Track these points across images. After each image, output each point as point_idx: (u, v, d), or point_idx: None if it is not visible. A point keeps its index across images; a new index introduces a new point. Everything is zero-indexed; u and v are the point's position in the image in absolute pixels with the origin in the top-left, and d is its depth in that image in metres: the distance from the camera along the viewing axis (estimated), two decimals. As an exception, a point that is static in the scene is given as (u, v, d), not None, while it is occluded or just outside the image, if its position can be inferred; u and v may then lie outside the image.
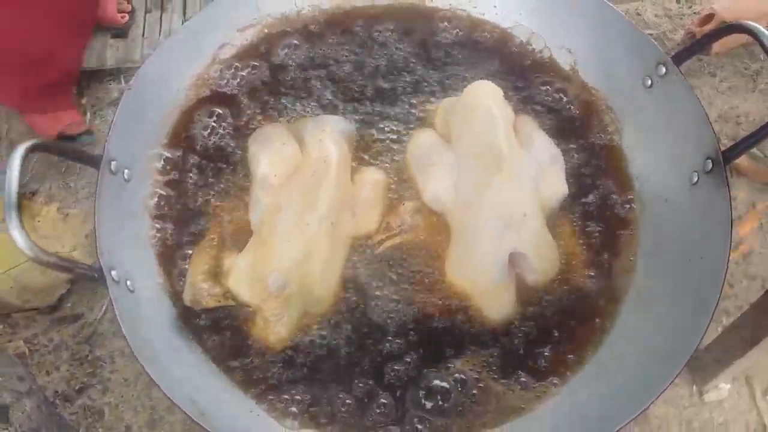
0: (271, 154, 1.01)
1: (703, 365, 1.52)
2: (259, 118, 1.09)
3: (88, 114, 1.88)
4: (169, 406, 1.55)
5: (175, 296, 0.97)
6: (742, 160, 1.75)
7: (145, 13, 1.93)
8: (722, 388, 1.56)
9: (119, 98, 1.87)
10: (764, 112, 1.83)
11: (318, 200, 0.97)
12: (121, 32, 1.89)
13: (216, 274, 0.98)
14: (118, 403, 1.56)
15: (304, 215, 0.96)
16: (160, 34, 1.88)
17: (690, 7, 2.04)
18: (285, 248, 0.95)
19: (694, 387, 1.56)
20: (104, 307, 1.66)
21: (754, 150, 1.73)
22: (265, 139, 1.04)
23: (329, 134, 1.03)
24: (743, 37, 1.85)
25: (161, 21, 1.91)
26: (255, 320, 0.97)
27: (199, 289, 0.96)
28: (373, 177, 1.04)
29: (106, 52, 1.89)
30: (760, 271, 1.67)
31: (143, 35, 1.90)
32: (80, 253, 1.67)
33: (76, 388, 1.57)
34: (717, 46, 1.89)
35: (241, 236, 1.02)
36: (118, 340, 1.63)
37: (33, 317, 1.65)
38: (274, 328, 0.95)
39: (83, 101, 1.90)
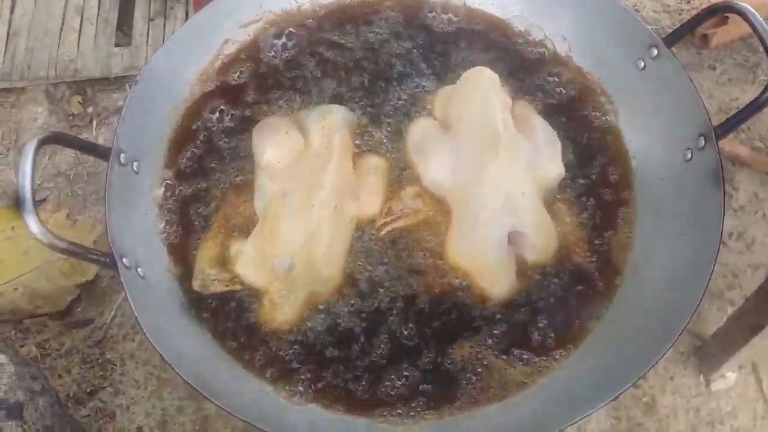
0: (275, 143, 1.04)
1: (709, 354, 1.53)
2: (263, 110, 1.12)
3: (94, 122, 1.91)
4: (180, 407, 1.56)
5: (185, 281, 0.99)
6: (744, 151, 1.76)
7: (149, 21, 1.97)
8: (729, 376, 1.56)
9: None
10: (764, 103, 1.85)
11: (322, 184, 1.00)
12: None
13: (223, 260, 1.01)
14: (129, 405, 1.57)
15: (309, 199, 0.99)
16: (164, 41, 1.91)
17: (688, 2, 2.07)
18: (290, 231, 0.98)
19: (701, 376, 1.56)
20: (113, 311, 1.68)
21: (757, 141, 1.75)
22: (269, 129, 1.07)
23: (332, 122, 1.05)
24: (742, 30, 1.89)
25: (165, 29, 1.95)
26: (262, 302, 0.99)
27: (207, 275, 0.99)
28: (375, 163, 1.07)
29: (110, 60, 1.92)
30: (764, 261, 1.68)
31: (147, 43, 1.93)
32: (89, 258, 1.69)
33: (88, 390, 1.59)
34: (716, 39, 1.92)
35: (247, 224, 1.05)
36: (128, 343, 1.64)
37: (44, 323, 1.66)
38: (281, 309, 0.97)
39: (89, 110, 1.93)
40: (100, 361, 1.62)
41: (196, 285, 0.99)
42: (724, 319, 1.54)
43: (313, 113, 1.10)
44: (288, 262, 0.96)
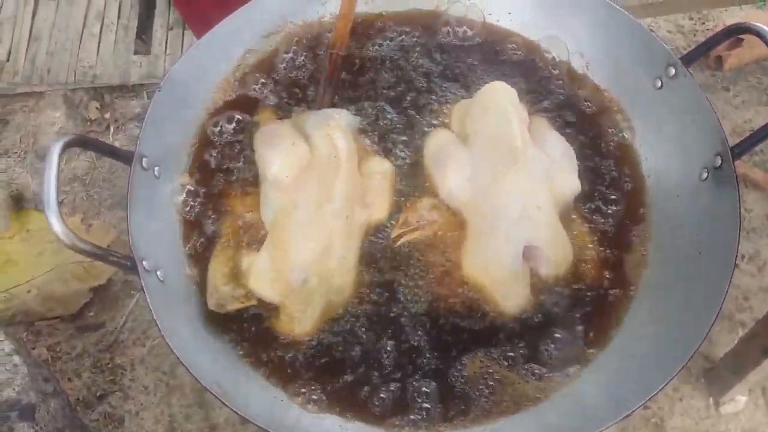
0: (282, 154, 1.03)
1: (719, 376, 1.52)
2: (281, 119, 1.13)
3: (111, 128, 1.93)
4: (188, 414, 1.57)
5: (203, 287, 1.00)
6: (756, 173, 1.77)
7: (168, 30, 2.00)
8: (738, 400, 1.55)
9: (142, 113, 1.94)
10: (777, 124, 1.86)
11: (333, 195, 1.00)
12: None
13: (235, 276, 1.00)
14: (138, 411, 1.58)
15: (320, 210, 0.99)
16: (182, 51, 1.93)
17: (703, 23, 2.09)
18: (304, 244, 0.98)
19: (711, 399, 1.56)
20: (125, 316, 1.69)
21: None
22: (273, 138, 1.06)
23: (336, 129, 1.05)
24: (756, 53, 1.90)
25: (183, 38, 1.97)
26: (279, 316, 0.99)
27: (222, 293, 0.99)
28: (380, 167, 1.07)
29: (129, 68, 1.95)
30: (776, 283, 1.68)
31: (166, 52, 1.96)
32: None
33: (98, 395, 1.59)
34: (730, 61, 1.93)
35: (256, 235, 1.04)
36: (138, 348, 1.65)
37: (56, 325, 1.68)
38: (299, 322, 0.97)
39: (106, 116, 1.95)
40: (110, 365, 1.63)
41: (211, 304, 0.99)
42: (735, 341, 1.54)
43: (313, 118, 1.09)
44: (303, 276, 0.97)
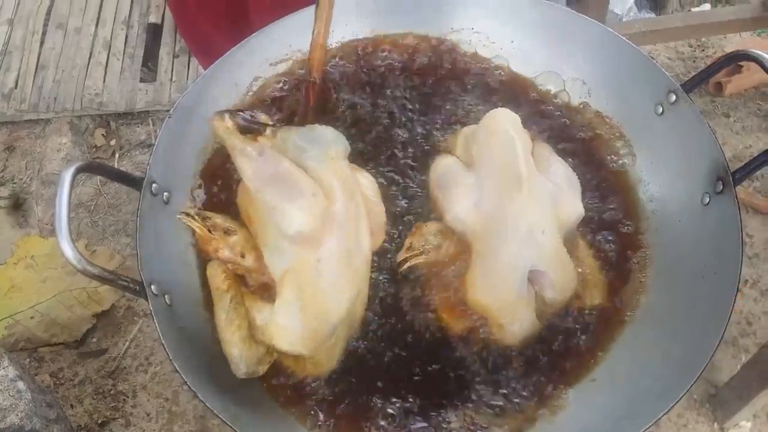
0: (305, 209, 0.93)
1: (724, 402, 1.52)
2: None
3: (117, 155, 1.95)
4: (190, 440, 1.56)
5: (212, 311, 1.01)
6: (758, 199, 1.79)
7: (174, 57, 2.03)
8: (743, 426, 1.55)
9: (147, 140, 1.96)
10: (777, 151, 1.88)
11: (360, 242, 0.96)
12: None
13: (251, 335, 0.94)
14: (140, 437, 1.57)
15: (350, 260, 0.95)
16: (187, 78, 1.96)
17: (703, 50, 2.12)
18: (338, 298, 0.93)
19: (716, 425, 1.55)
20: (128, 343, 1.69)
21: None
22: (290, 188, 0.95)
23: (342, 161, 0.99)
24: (756, 79, 1.94)
25: (189, 65, 2.00)
26: (304, 364, 0.96)
27: (249, 361, 0.93)
28: (372, 185, 1.04)
29: (135, 96, 1.97)
30: (779, 308, 1.69)
31: (171, 80, 1.98)
32: (106, 289, 1.72)
33: (99, 421, 1.59)
34: (730, 88, 1.96)
35: (256, 280, 0.98)
36: (140, 374, 1.65)
37: (59, 351, 1.68)
38: (327, 362, 0.96)
39: (111, 143, 1.97)
40: (112, 392, 1.63)
41: (241, 374, 0.93)
42: (739, 366, 1.54)
43: (297, 136, 0.99)
44: (335, 326, 0.94)
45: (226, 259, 0.97)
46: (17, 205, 1.88)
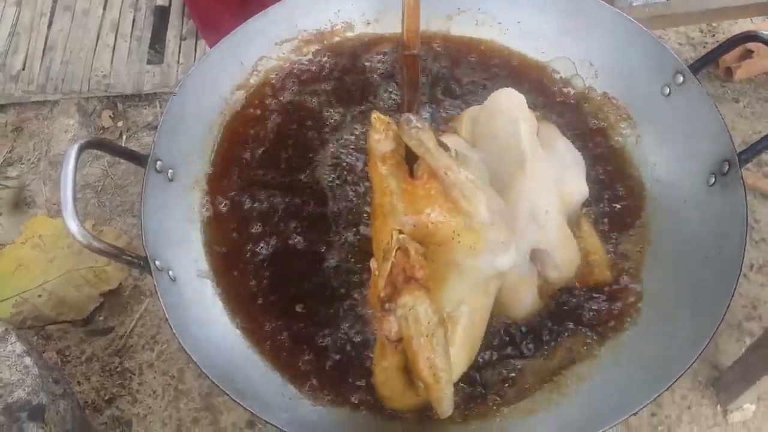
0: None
1: (727, 385, 1.52)
2: (294, 128, 1.15)
3: (124, 136, 1.96)
4: (195, 418, 1.58)
5: (218, 287, 1.01)
6: (765, 183, 1.78)
7: (180, 40, 2.03)
8: (747, 408, 1.55)
9: (154, 122, 1.97)
10: (786, 135, 1.87)
11: None
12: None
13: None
14: (146, 414, 1.59)
15: None
16: (194, 61, 1.96)
17: (713, 35, 2.10)
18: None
19: (719, 407, 1.56)
20: (134, 321, 1.71)
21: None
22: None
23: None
24: (766, 64, 1.92)
25: (196, 48, 2.00)
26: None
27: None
28: None
29: (142, 78, 1.98)
30: (785, 293, 1.68)
31: (179, 62, 1.99)
32: (113, 268, 1.73)
33: (106, 398, 1.61)
34: (740, 73, 1.94)
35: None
36: (147, 352, 1.67)
37: (66, 330, 1.70)
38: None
39: (119, 124, 1.98)
40: (119, 369, 1.65)
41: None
42: (743, 350, 1.54)
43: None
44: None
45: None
46: (25, 186, 1.90)
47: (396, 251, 0.83)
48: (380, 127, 0.95)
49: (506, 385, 0.96)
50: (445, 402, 0.83)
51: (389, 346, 0.85)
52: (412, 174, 0.94)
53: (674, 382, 0.86)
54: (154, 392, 1.62)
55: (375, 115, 0.95)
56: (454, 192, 0.87)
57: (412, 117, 0.90)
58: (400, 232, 0.86)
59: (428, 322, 0.80)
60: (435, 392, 0.82)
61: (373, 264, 0.92)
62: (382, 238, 0.88)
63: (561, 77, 1.20)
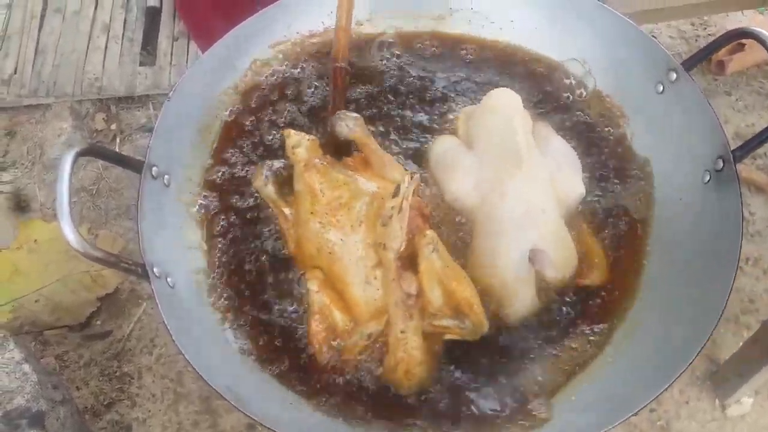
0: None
1: (725, 379, 1.53)
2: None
3: (118, 139, 1.95)
4: (195, 421, 1.57)
5: (213, 294, 1.01)
6: (761, 177, 1.78)
7: (173, 40, 2.01)
8: (744, 402, 1.56)
9: (147, 124, 1.95)
10: (780, 128, 1.87)
11: None
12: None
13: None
14: (146, 418, 1.58)
15: None
16: (187, 62, 1.95)
17: (705, 29, 2.10)
18: None
19: (717, 401, 1.56)
20: (132, 325, 1.70)
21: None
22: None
23: None
24: (758, 57, 1.92)
25: (188, 49, 1.99)
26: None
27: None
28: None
29: (135, 80, 1.97)
30: (782, 285, 1.69)
31: (171, 63, 1.97)
32: (109, 272, 1.72)
33: (105, 403, 1.60)
34: (732, 66, 1.95)
35: None
36: (145, 356, 1.66)
37: (64, 335, 1.69)
38: None
39: (112, 127, 1.97)
40: (117, 373, 1.64)
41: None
42: (740, 344, 1.55)
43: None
44: None
45: None
46: (19, 190, 1.89)
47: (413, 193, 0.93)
48: (296, 138, 1.06)
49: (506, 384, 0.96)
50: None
51: (403, 309, 0.91)
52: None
53: (676, 379, 0.87)
54: (153, 396, 1.61)
55: (287, 132, 1.07)
56: (386, 166, 1.03)
57: (347, 113, 1.04)
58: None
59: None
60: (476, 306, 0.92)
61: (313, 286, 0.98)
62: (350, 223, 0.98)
63: (555, 76, 1.21)
